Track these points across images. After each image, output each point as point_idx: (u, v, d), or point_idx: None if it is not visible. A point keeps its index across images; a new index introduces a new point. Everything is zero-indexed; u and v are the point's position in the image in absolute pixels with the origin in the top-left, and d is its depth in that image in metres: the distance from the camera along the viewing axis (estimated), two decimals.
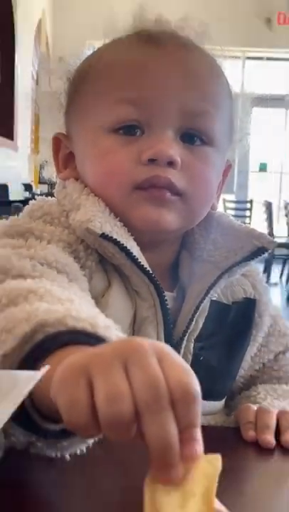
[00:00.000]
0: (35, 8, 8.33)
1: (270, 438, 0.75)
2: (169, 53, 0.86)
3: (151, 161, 0.82)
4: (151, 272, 0.85)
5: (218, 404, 0.96)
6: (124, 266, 0.85)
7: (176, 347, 0.88)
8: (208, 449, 0.44)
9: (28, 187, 7.18)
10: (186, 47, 0.88)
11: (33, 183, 7.86)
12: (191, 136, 0.86)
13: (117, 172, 0.85)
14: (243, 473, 0.69)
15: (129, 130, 0.84)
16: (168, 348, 0.47)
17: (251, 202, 9.19)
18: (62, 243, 0.82)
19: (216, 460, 0.44)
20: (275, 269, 8.01)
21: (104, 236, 0.81)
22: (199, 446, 0.44)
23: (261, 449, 0.74)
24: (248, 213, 8.90)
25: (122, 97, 0.84)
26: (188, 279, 0.93)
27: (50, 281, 0.69)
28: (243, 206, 9.07)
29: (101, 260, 0.86)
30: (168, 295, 0.89)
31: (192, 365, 0.91)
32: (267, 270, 7.22)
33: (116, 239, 0.81)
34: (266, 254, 0.92)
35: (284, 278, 8.20)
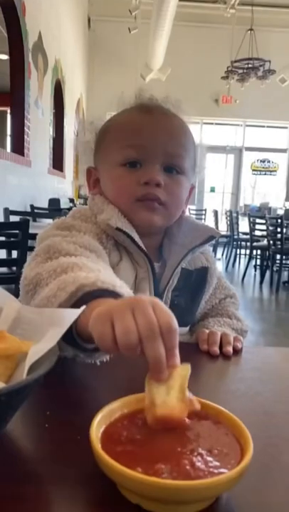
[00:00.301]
0: (75, 92, 8.17)
1: (216, 349, 0.75)
2: (157, 118, 0.83)
3: (146, 183, 0.79)
4: (146, 250, 0.82)
5: (185, 330, 0.92)
6: (130, 247, 0.82)
7: (161, 295, 0.85)
8: (180, 356, 0.43)
9: (71, 200, 6.83)
10: (167, 114, 0.84)
11: (74, 197, 7.60)
12: (171, 169, 0.82)
13: (124, 190, 0.81)
14: (200, 371, 0.69)
15: (132, 165, 0.81)
16: (159, 301, 0.45)
17: (205, 210, 8.95)
18: (93, 233, 0.79)
19: (187, 367, 0.43)
20: (219, 250, 7.87)
21: (118, 229, 0.78)
22: (178, 359, 0.43)
23: (211, 357, 0.73)
24: (203, 217, 8.64)
25: (128, 144, 0.81)
26: (168, 255, 0.89)
27: (86, 258, 0.66)
28: (200, 212, 8.83)
29: (116, 244, 0.82)
30: (156, 265, 0.86)
31: (170, 307, 0.89)
32: (214, 250, 6.98)
33: (125, 231, 0.79)
34: (214, 241, 0.90)
35: (224, 255, 7.97)
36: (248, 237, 6.58)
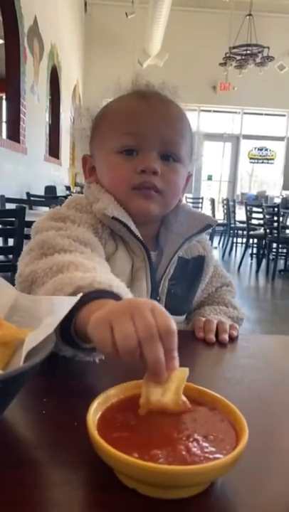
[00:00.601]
0: (72, 78, 8.10)
1: (212, 337, 0.75)
2: (153, 105, 0.81)
3: (143, 171, 0.78)
4: (142, 239, 0.81)
5: (181, 318, 0.92)
6: (126, 236, 0.81)
7: (157, 284, 0.85)
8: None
9: (68, 188, 6.85)
10: (164, 101, 0.83)
11: (70, 185, 7.53)
12: (167, 156, 0.81)
13: (121, 178, 0.80)
14: (196, 358, 0.70)
15: (129, 152, 0.80)
16: (157, 304, 0.45)
17: (202, 198, 8.84)
18: (88, 224, 0.77)
19: (185, 370, 0.43)
20: (216, 238, 7.80)
21: (114, 218, 0.77)
22: (176, 361, 0.43)
23: (207, 344, 0.74)
24: (200, 205, 8.48)
25: (124, 132, 0.80)
26: (164, 244, 0.88)
27: (80, 253, 0.66)
28: (197, 201, 8.68)
29: (111, 233, 0.81)
30: (152, 254, 0.85)
31: (166, 295, 0.87)
32: (211, 238, 6.92)
33: (121, 220, 0.78)
34: (211, 230, 0.87)
35: (220, 244, 7.96)
36: (244, 225, 6.57)
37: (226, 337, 0.75)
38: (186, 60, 9.09)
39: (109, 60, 8.79)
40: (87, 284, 0.54)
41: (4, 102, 5.33)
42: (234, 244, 7.67)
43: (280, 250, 5.86)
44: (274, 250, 5.85)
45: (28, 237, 0.71)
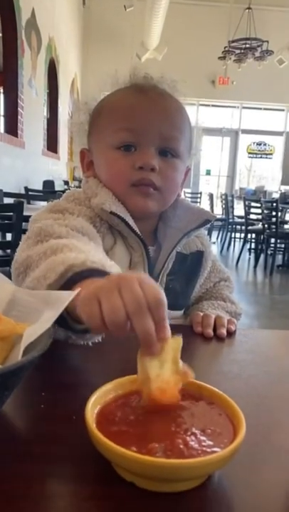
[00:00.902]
0: (70, 72, 8.06)
1: (210, 331, 0.75)
2: (152, 99, 0.80)
3: (141, 168, 0.78)
4: (140, 234, 0.81)
5: (179, 313, 0.93)
6: (124, 231, 0.81)
7: (155, 279, 0.83)
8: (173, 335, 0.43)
9: (66, 182, 6.82)
10: (162, 95, 0.82)
11: (69, 180, 7.53)
12: (166, 152, 0.80)
13: (119, 174, 0.80)
14: (194, 353, 0.70)
15: (127, 148, 0.79)
16: (145, 276, 0.45)
17: (201, 193, 8.91)
18: (86, 217, 0.77)
19: (179, 339, 0.43)
20: (214, 233, 7.82)
21: (112, 213, 0.77)
22: (168, 331, 0.43)
23: (205, 338, 0.74)
24: (198, 200, 8.60)
25: (123, 126, 0.79)
26: (162, 239, 0.88)
27: (77, 240, 0.65)
28: (196, 196, 8.76)
29: (109, 227, 0.81)
30: (150, 248, 0.85)
31: (165, 290, 0.85)
32: (209, 233, 7.00)
33: (120, 215, 0.78)
34: (209, 224, 0.89)
35: (219, 239, 7.99)
36: (243, 220, 6.57)
37: (224, 332, 0.75)
38: (185, 54, 9.05)
39: (107, 54, 8.73)
40: (80, 262, 0.54)
41: (2, 96, 5.30)
42: (232, 239, 7.70)
43: (278, 245, 5.86)
44: (272, 245, 5.84)
45: (26, 231, 0.70)
